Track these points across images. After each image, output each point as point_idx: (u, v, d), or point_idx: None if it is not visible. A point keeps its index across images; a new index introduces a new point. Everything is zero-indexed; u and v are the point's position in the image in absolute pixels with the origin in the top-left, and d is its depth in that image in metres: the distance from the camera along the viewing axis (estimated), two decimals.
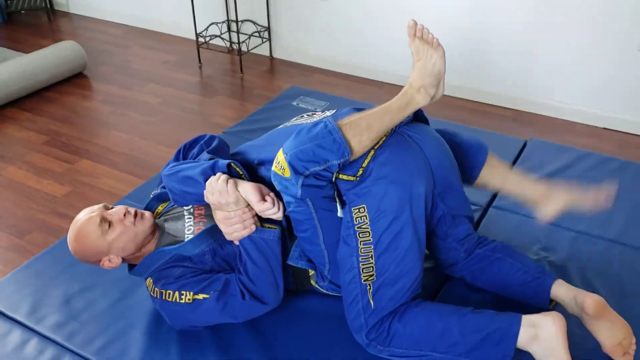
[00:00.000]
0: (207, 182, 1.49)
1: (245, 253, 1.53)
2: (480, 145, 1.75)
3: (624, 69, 3.05)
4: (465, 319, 1.45)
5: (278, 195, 1.51)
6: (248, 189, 1.47)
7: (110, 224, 1.56)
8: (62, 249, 1.91)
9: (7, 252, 2.43)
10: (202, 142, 1.76)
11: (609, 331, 1.46)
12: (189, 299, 1.51)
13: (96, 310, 1.70)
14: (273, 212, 1.47)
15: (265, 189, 1.51)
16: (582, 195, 1.69)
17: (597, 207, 1.68)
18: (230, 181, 1.47)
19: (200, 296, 1.51)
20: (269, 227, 1.53)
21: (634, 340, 1.49)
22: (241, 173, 1.56)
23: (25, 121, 3.42)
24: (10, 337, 1.64)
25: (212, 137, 1.78)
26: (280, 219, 1.51)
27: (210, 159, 1.59)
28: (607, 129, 3.21)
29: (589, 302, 1.46)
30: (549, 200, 1.68)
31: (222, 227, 1.52)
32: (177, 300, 1.52)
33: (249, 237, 1.51)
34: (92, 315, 1.68)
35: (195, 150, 1.75)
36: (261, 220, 1.54)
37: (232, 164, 1.55)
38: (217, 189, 1.46)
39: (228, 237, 1.52)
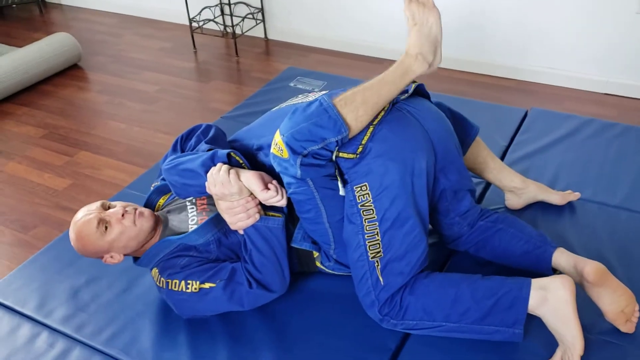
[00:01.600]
0: (209, 174, 1.47)
1: (250, 242, 1.52)
2: (472, 123, 1.80)
3: (623, 32, 3.01)
4: (476, 285, 1.45)
5: (280, 182, 1.50)
6: (250, 178, 1.46)
7: (108, 224, 1.55)
8: (66, 242, 1.91)
9: (13, 247, 2.43)
10: (198, 132, 1.73)
11: (611, 298, 1.45)
12: (195, 288, 1.51)
13: (103, 301, 1.70)
14: (277, 199, 1.46)
15: (267, 177, 1.50)
16: (551, 194, 1.89)
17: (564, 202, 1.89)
18: (232, 171, 1.46)
19: (207, 285, 1.51)
20: (272, 215, 1.53)
21: (637, 308, 1.49)
22: (241, 162, 1.55)
23: (23, 116, 3.40)
24: (20, 331, 1.64)
25: (209, 127, 1.75)
26: (284, 206, 1.50)
27: (209, 150, 1.58)
28: (608, 94, 3.18)
29: (588, 269, 1.45)
30: (521, 194, 1.87)
31: (226, 217, 1.51)
32: (184, 290, 1.52)
33: (254, 226, 1.50)
34: (99, 306, 1.69)
35: (192, 142, 1.72)
36: (264, 209, 1.54)
37: (232, 154, 1.53)
38: (219, 180, 1.45)
39: (232, 227, 1.52)
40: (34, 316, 1.68)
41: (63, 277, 1.80)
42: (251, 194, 1.49)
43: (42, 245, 2.33)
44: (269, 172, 1.59)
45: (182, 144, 1.75)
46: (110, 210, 1.59)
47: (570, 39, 3.15)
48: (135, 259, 1.67)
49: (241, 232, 1.54)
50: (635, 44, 3.01)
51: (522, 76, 3.37)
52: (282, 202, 1.48)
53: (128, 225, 1.56)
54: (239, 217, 1.49)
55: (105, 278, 1.77)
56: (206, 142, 1.65)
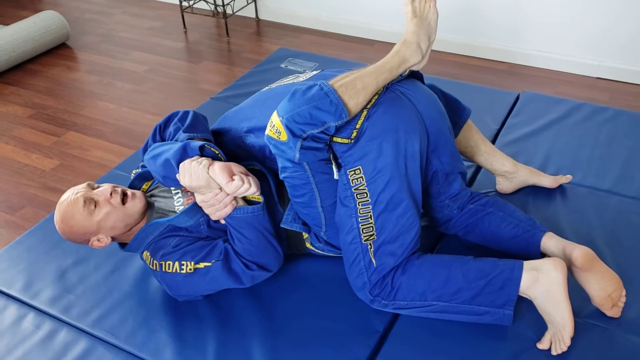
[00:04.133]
0: (180, 166, 1.45)
1: (235, 231, 1.51)
2: (464, 105, 1.80)
3: (616, 16, 2.99)
4: (468, 266, 1.45)
5: (273, 163, 1.47)
6: (216, 171, 1.42)
7: (96, 204, 1.53)
8: (53, 223, 1.89)
9: None
10: (175, 119, 1.68)
11: (598, 284, 1.46)
12: (190, 269, 1.50)
13: (91, 282, 1.69)
14: (244, 189, 1.43)
15: (236, 167, 1.46)
16: (542, 178, 1.88)
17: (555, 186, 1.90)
18: (202, 165, 1.43)
19: (202, 265, 1.50)
20: (252, 198, 1.51)
21: (624, 293, 1.50)
22: (217, 152, 1.52)
23: (10, 95, 3.35)
24: (6, 312, 1.63)
25: (186, 113, 1.70)
26: (256, 194, 1.47)
27: (189, 139, 1.55)
28: (601, 78, 3.17)
29: (577, 253, 1.45)
30: (512, 178, 1.86)
31: (203, 209, 1.50)
32: (178, 271, 1.51)
33: (233, 218, 1.48)
34: (87, 287, 1.68)
35: (171, 129, 1.68)
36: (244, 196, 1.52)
37: (206, 145, 1.50)
38: (189, 172, 1.43)
39: (213, 217, 1.50)
40: (20, 297, 1.67)
41: (50, 258, 1.78)
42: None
43: (29, 226, 2.31)
44: (257, 153, 1.57)
45: (161, 133, 1.71)
46: (98, 189, 1.56)
47: (564, 22, 3.14)
48: (122, 245, 1.65)
49: (223, 221, 1.53)
50: (628, 28, 3.00)
51: (515, 59, 3.36)
52: (252, 191, 1.44)
53: (116, 205, 1.53)
54: (215, 208, 1.47)
55: (92, 259, 1.76)
56: (184, 131, 1.61)
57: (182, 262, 1.51)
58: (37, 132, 3.01)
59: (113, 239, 1.60)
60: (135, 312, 1.59)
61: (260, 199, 1.51)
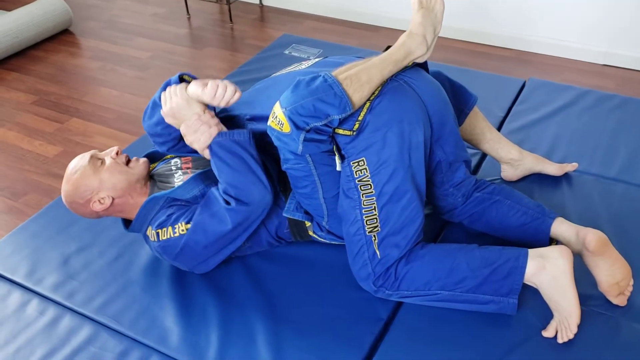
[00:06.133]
0: (161, 96, 1.50)
1: (218, 160, 1.48)
2: (470, 93, 1.79)
3: (624, 3, 2.96)
4: (472, 255, 1.44)
5: (275, 154, 1.46)
6: (191, 86, 1.46)
7: (102, 162, 1.58)
8: (57, 209, 1.89)
9: (3, 214, 2.41)
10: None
11: (609, 270, 1.44)
12: (182, 230, 1.51)
13: (94, 269, 1.69)
14: (221, 91, 1.44)
15: (208, 80, 1.48)
16: (548, 165, 1.86)
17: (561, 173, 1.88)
18: (179, 86, 1.47)
19: (192, 223, 1.51)
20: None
21: (631, 282, 1.49)
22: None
23: (13, 81, 3.34)
24: (10, 298, 1.63)
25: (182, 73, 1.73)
26: (236, 97, 1.47)
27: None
28: (608, 65, 3.14)
29: (590, 237, 1.44)
30: (517, 165, 1.84)
31: (189, 140, 1.50)
32: (172, 235, 1.52)
33: (218, 142, 1.47)
34: (90, 274, 1.67)
35: None
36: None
37: (185, 76, 1.55)
38: (168, 97, 1.47)
39: (198, 148, 1.49)
40: (24, 283, 1.67)
41: (54, 244, 1.78)
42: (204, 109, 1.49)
43: (32, 212, 2.31)
44: (257, 140, 1.56)
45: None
46: (105, 151, 1.63)
47: (571, 9, 3.10)
48: (126, 226, 1.65)
49: (208, 156, 1.51)
50: (635, 15, 2.96)
51: (522, 46, 3.33)
52: (229, 93, 1.44)
53: (120, 163, 1.58)
54: (200, 130, 1.46)
55: (96, 246, 1.76)
56: None
57: (175, 225, 1.52)
58: (40, 118, 3.01)
59: (113, 205, 1.58)
60: (139, 299, 1.59)
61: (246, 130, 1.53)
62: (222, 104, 1.46)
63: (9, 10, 3.91)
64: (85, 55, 3.59)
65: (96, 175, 1.55)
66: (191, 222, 1.50)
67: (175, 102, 1.45)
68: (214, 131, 1.47)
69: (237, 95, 1.46)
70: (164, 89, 1.53)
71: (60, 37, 3.79)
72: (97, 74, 3.39)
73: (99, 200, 1.57)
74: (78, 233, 1.80)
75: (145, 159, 1.64)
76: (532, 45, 3.30)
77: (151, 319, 1.53)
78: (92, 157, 1.57)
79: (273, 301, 1.55)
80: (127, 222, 1.67)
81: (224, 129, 1.50)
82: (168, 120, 1.51)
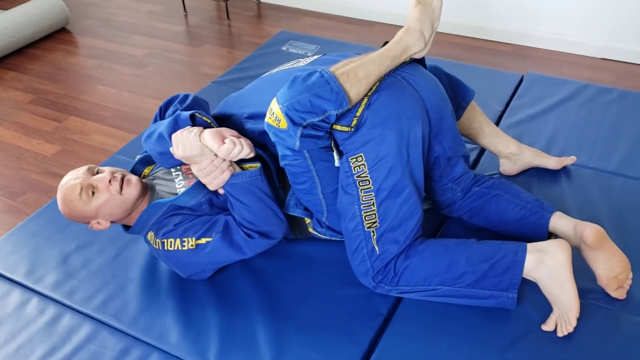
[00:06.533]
0: (173, 137, 1.45)
1: (234, 199, 1.50)
2: (468, 87, 1.78)
3: None
4: (471, 250, 1.44)
5: (269, 147, 1.46)
6: (207, 137, 1.42)
7: (94, 191, 1.52)
8: (55, 208, 1.89)
9: (1, 214, 2.40)
10: (176, 102, 1.70)
11: (607, 263, 1.45)
12: (192, 245, 1.50)
13: (94, 267, 1.69)
14: (237, 151, 1.42)
15: (227, 132, 1.46)
16: (546, 159, 1.86)
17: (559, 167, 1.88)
18: (193, 132, 1.43)
19: (203, 240, 1.50)
20: (249, 167, 1.50)
21: (630, 276, 1.49)
22: (209, 121, 1.52)
23: (10, 80, 3.34)
24: (10, 297, 1.63)
25: (186, 96, 1.72)
26: (251, 156, 1.46)
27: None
28: (606, 59, 3.14)
29: (588, 231, 1.44)
30: (516, 160, 1.84)
31: (201, 179, 1.49)
32: (179, 248, 1.51)
33: (232, 184, 1.47)
34: (90, 272, 1.67)
35: (170, 111, 1.69)
36: (240, 162, 1.51)
37: (197, 114, 1.51)
38: (181, 141, 1.43)
39: (211, 187, 1.49)
40: (23, 282, 1.67)
41: (53, 243, 1.78)
42: None
43: (31, 211, 2.31)
44: (257, 139, 1.56)
45: (162, 116, 1.72)
46: (98, 175, 1.56)
47: (569, 3, 3.10)
48: (126, 228, 1.65)
49: (222, 191, 1.52)
50: (633, 8, 2.96)
51: (519, 41, 3.32)
52: (245, 153, 1.44)
53: (114, 192, 1.53)
54: (213, 175, 1.46)
55: (95, 244, 1.76)
56: (183, 110, 1.61)
57: (184, 239, 1.51)
58: (38, 117, 3.00)
59: (113, 222, 1.60)
60: (139, 297, 1.58)
61: (257, 165, 1.50)
62: (234, 160, 1.46)
63: (6, 9, 3.90)
64: (82, 54, 3.58)
65: (90, 206, 1.53)
66: (207, 245, 1.50)
67: (189, 151, 1.42)
68: (226, 175, 1.46)
69: (252, 155, 1.46)
70: (175, 122, 1.49)
71: (57, 35, 3.78)
72: (94, 72, 3.38)
73: (97, 222, 1.58)
74: (77, 232, 1.80)
75: (136, 178, 1.58)
76: (529, 40, 3.29)
77: (151, 317, 1.53)
78: (82, 188, 1.51)
79: (273, 298, 1.55)
80: (125, 225, 1.66)
81: (237, 169, 1.49)
82: (179, 158, 1.48)
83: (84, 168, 1.58)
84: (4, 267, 1.72)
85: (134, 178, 1.58)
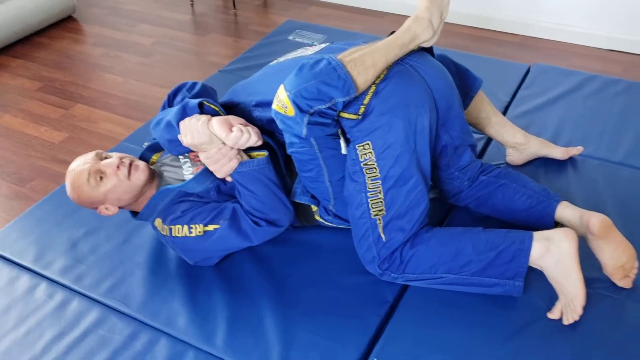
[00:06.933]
0: (180, 124, 1.46)
1: (241, 187, 1.51)
2: (475, 76, 1.78)
3: None
4: (477, 238, 1.45)
5: (275, 133, 1.46)
6: (215, 125, 1.43)
7: (102, 176, 1.53)
8: (63, 195, 1.89)
9: (9, 200, 2.42)
10: (184, 89, 1.71)
11: (613, 253, 1.45)
12: (199, 232, 1.51)
13: (102, 253, 1.70)
14: (244, 139, 1.43)
15: (235, 120, 1.46)
16: (553, 149, 1.87)
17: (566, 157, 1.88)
18: (201, 120, 1.43)
19: (211, 227, 1.51)
20: (256, 155, 1.51)
21: (636, 265, 1.49)
22: (217, 109, 1.53)
23: (18, 68, 3.35)
24: (19, 282, 1.64)
25: (195, 83, 1.73)
26: (259, 144, 1.47)
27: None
28: (614, 50, 3.13)
29: (594, 220, 1.45)
30: (523, 149, 1.84)
31: (209, 167, 1.50)
32: (187, 235, 1.52)
33: (240, 173, 1.48)
34: (98, 258, 1.69)
35: (178, 99, 1.70)
36: (248, 150, 1.51)
37: (205, 102, 1.51)
38: (189, 129, 1.43)
39: (218, 175, 1.50)
40: (32, 267, 1.68)
41: (61, 229, 1.79)
42: None
43: (39, 198, 2.33)
44: (264, 127, 1.56)
45: (170, 103, 1.73)
46: (106, 160, 1.57)
47: None
48: (134, 214, 1.66)
49: (229, 179, 1.52)
50: None
51: (527, 32, 3.31)
52: (252, 141, 1.44)
53: (123, 178, 1.54)
54: (220, 163, 1.46)
55: (103, 230, 1.77)
56: (191, 98, 1.62)
57: (191, 226, 1.51)
58: (45, 105, 3.01)
59: (121, 207, 1.61)
60: (147, 282, 1.60)
61: (265, 154, 1.50)
62: (242, 148, 1.47)
63: None
64: (89, 42, 3.59)
65: (98, 191, 1.54)
66: (215, 232, 1.51)
67: (197, 139, 1.43)
68: (234, 163, 1.47)
69: (259, 143, 1.46)
70: (183, 110, 1.50)
71: (64, 23, 3.78)
72: (101, 60, 3.39)
73: (105, 208, 1.59)
74: (85, 218, 1.81)
75: (144, 164, 1.59)
76: (537, 31, 3.28)
77: (159, 302, 1.54)
78: (90, 173, 1.52)
79: (280, 285, 1.56)
80: (133, 210, 1.67)
81: (245, 157, 1.49)
82: (187, 145, 1.49)
83: (92, 153, 1.59)
84: (12, 252, 1.73)
85: (141, 164, 1.59)
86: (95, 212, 1.77)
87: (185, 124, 1.45)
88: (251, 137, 1.43)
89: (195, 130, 1.43)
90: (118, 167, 1.54)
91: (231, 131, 1.42)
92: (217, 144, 1.44)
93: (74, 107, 2.98)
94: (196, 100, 1.51)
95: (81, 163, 1.56)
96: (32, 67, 3.35)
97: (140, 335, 1.47)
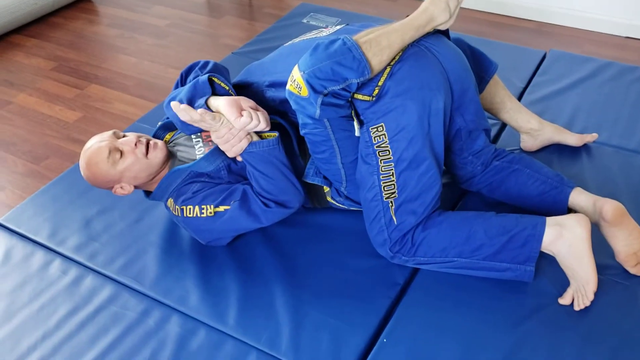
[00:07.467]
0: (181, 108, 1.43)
1: (252, 168, 1.51)
2: (491, 60, 1.76)
3: None
4: (489, 222, 1.44)
5: (289, 114, 1.45)
6: (223, 108, 1.43)
7: (121, 153, 1.54)
8: (77, 173, 1.91)
9: (25, 177, 2.44)
10: (197, 68, 1.70)
11: (626, 240, 1.44)
12: (210, 212, 1.52)
13: (115, 231, 1.72)
14: (253, 125, 1.43)
15: (246, 102, 1.46)
16: (567, 136, 1.85)
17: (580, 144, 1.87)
18: (212, 102, 1.44)
19: (222, 208, 1.52)
20: (267, 136, 1.51)
21: None
22: (227, 88, 1.52)
23: (33, 47, 3.36)
24: (34, 258, 1.67)
25: (207, 62, 1.71)
26: (266, 129, 1.47)
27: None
28: (631, 37, 3.09)
29: (607, 207, 1.44)
30: (537, 135, 1.83)
31: (219, 146, 1.50)
32: (198, 215, 1.53)
33: (250, 153, 1.48)
34: (112, 236, 1.70)
35: (191, 77, 1.69)
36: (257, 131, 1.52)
37: (215, 79, 1.51)
38: (195, 118, 1.42)
39: (229, 154, 1.50)
40: (47, 244, 1.70)
41: (75, 207, 1.81)
42: None
43: (53, 176, 2.34)
44: (276, 107, 1.56)
45: (183, 82, 1.72)
46: (124, 139, 1.58)
47: None
48: (147, 194, 1.67)
49: (240, 158, 1.53)
50: None
51: (543, 17, 3.28)
52: (261, 127, 1.44)
53: (140, 155, 1.55)
54: (231, 143, 1.47)
55: (117, 209, 1.78)
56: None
57: (202, 206, 1.52)
58: (59, 84, 3.03)
59: (136, 187, 1.62)
60: (160, 260, 1.61)
61: (275, 134, 1.50)
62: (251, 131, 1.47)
63: None
64: (104, 23, 3.59)
65: (116, 169, 1.54)
66: (225, 213, 1.51)
67: (208, 123, 1.43)
68: (244, 144, 1.47)
69: (267, 129, 1.46)
70: (194, 87, 1.50)
71: (78, 4, 3.79)
72: (115, 41, 3.39)
73: (120, 187, 1.59)
74: (99, 196, 1.82)
75: (162, 142, 1.60)
76: (553, 17, 3.24)
77: (171, 280, 1.56)
78: (110, 150, 1.53)
79: (291, 265, 1.57)
80: (147, 190, 1.68)
81: (255, 138, 1.49)
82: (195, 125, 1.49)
83: (109, 132, 1.60)
84: (27, 228, 1.76)
85: (159, 142, 1.60)
86: (108, 191, 1.79)
87: (196, 112, 1.42)
88: (260, 123, 1.43)
89: (197, 119, 1.41)
90: (136, 145, 1.55)
91: (241, 115, 1.42)
92: (227, 124, 1.45)
93: (89, 87, 2.99)
94: (206, 75, 1.51)
95: (98, 141, 1.57)
96: (46, 46, 3.36)
97: (153, 312, 1.49)
